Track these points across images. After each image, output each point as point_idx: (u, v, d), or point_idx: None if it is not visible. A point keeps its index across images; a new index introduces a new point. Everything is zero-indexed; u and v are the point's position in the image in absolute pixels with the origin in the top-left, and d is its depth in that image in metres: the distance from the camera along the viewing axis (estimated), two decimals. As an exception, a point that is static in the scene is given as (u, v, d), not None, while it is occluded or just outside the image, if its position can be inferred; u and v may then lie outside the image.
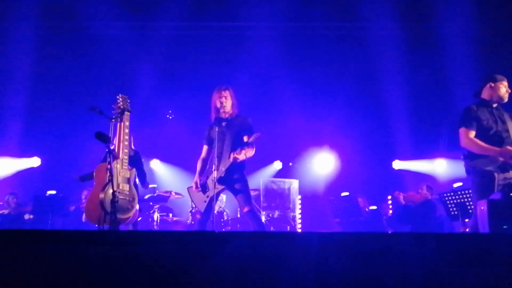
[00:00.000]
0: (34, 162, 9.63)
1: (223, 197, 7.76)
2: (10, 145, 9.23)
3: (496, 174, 4.17)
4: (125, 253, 2.57)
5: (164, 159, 9.92)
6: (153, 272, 2.51)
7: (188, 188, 5.27)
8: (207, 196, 4.94)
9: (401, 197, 7.72)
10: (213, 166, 4.85)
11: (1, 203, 8.09)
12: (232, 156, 4.78)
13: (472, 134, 4.34)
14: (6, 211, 7.83)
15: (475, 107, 4.48)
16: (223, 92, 5.03)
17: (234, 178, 4.88)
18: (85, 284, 2.48)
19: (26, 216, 7.80)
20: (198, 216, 5.21)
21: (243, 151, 4.82)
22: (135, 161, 5.71)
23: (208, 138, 5.16)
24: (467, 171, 4.40)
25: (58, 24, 8.76)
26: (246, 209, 4.85)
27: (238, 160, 4.79)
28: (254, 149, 4.93)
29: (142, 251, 2.57)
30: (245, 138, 4.97)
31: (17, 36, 8.64)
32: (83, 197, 7.97)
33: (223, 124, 4.96)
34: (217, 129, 4.90)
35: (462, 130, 4.40)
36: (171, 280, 2.50)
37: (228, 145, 4.93)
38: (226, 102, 5.01)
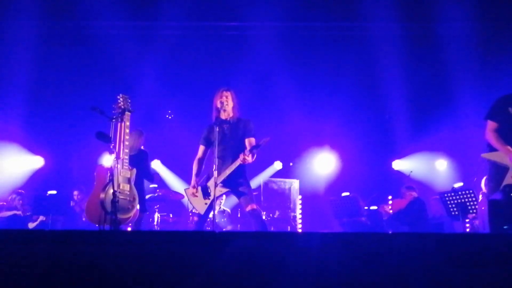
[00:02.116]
0: (37, 161, 9.63)
1: (222, 197, 7.75)
2: (17, 138, 9.23)
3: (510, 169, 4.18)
4: (125, 253, 2.57)
5: (165, 159, 9.92)
6: (153, 272, 2.51)
7: (186, 190, 5.24)
8: (209, 199, 4.92)
9: (388, 208, 7.70)
10: (214, 166, 4.83)
11: (5, 203, 8.07)
12: (241, 157, 4.77)
13: (494, 126, 4.39)
14: (18, 212, 7.80)
15: (508, 98, 4.45)
16: (224, 92, 5.05)
17: (239, 182, 4.90)
18: (85, 284, 2.49)
19: (30, 225, 7.80)
20: (195, 218, 5.13)
21: (250, 154, 4.82)
22: (141, 160, 5.76)
23: (207, 138, 5.15)
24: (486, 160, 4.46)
25: (60, 23, 8.77)
26: (249, 208, 4.86)
27: (246, 162, 4.80)
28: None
29: (142, 251, 2.57)
30: (250, 141, 4.97)
31: (19, 36, 8.64)
32: (75, 197, 7.97)
33: (225, 126, 4.96)
34: (217, 129, 4.89)
35: (487, 122, 4.44)
36: (171, 280, 2.50)
37: (232, 149, 4.94)
38: (227, 103, 5.01)
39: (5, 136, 8.95)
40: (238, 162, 4.80)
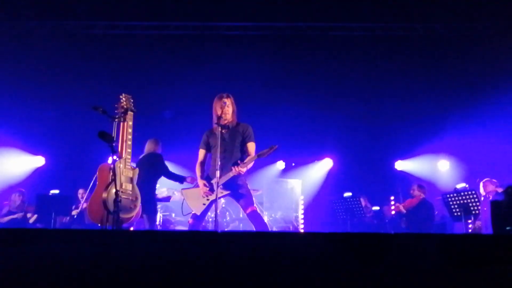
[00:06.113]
0: (39, 161, 9.66)
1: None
2: (14, 144, 9.27)
3: None
4: (128, 252, 2.57)
5: (167, 158, 9.90)
6: (155, 272, 2.51)
7: (183, 190, 5.21)
8: (207, 200, 4.92)
9: (401, 207, 7.73)
10: (216, 166, 4.82)
11: (7, 202, 8.10)
12: (235, 170, 4.84)
13: None
14: (16, 216, 7.80)
15: None
16: (224, 99, 5.06)
17: (237, 184, 4.95)
18: (87, 283, 2.49)
19: (29, 216, 7.80)
20: (190, 220, 5.09)
21: (245, 165, 4.88)
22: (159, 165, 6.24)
23: (207, 143, 5.20)
24: None
25: (60, 23, 8.79)
26: (249, 210, 4.90)
27: (240, 173, 4.89)
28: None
29: (144, 251, 2.58)
30: (250, 146, 5.04)
31: (20, 36, 8.67)
32: (79, 196, 7.96)
33: (224, 131, 4.98)
34: (220, 131, 4.89)
35: None
36: (174, 279, 2.50)
37: (231, 153, 4.99)
38: (227, 109, 5.04)
39: (5, 137, 8.99)
40: (231, 174, 4.86)
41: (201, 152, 5.25)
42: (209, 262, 2.53)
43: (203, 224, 6.13)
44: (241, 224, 7.95)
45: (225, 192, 4.92)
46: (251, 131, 5.14)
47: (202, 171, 5.18)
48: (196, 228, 5.02)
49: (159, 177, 6.42)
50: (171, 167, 6.79)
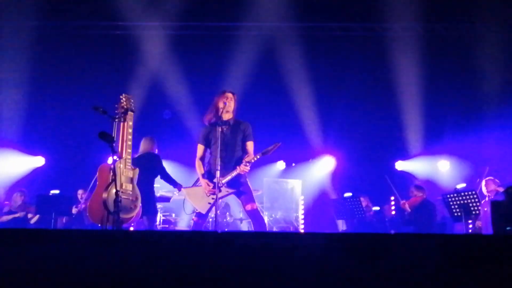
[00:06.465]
0: (38, 161, 9.65)
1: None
2: (14, 144, 9.27)
3: None
4: (128, 252, 2.57)
5: (167, 158, 9.89)
6: (155, 272, 2.51)
7: (184, 189, 5.21)
8: (213, 198, 4.91)
9: (407, 206, 7.73)
10: (217, 166, 4.81)
11: (7, 202, 8.10)
12: (240, 169, 4.85)
13: None
14: (18, 215, 7.78)
15: None
16: (229, 94, 5.07)
17: (239, 182, 4.96)
18: (87, 284, 2.49)
19: (30, 216, 7.80)
20: (194, 218, 5.07)
21: (248, 165, 4.89)
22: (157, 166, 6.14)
23: (206, 138, 5.16)
24: None
25: (61, 23, 8.79)
26: (249, 207, 4.92)
27: (246, 171, 4.91)
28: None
29: (145, 251, 2.57)
30: (249, 145, 5.05)
31: (21, 35, 8.67)
32: (79, 196, 7.94)
33: (225, 128, 4.96)
34: (220, 129, 4.88)
35: None
36: (174, 280, 2.50)
37: (232, 149, 4.99)
38: (230, 104, 5.03)
39: (5, 137, 8.99)
40: (236, 173, 4.86)
41: (200, 148, 5.20)
42: (209, 262, 2.53)
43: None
44: (241, 224, 7.95)
45: (230, 191, 4.92)
46: (251, 129, 5.14)
47: (203, 168, 5.16)
48: (201, 226, 5.03)
49: (156, 177, 6.35)
50: (172, 167, 6.80)
